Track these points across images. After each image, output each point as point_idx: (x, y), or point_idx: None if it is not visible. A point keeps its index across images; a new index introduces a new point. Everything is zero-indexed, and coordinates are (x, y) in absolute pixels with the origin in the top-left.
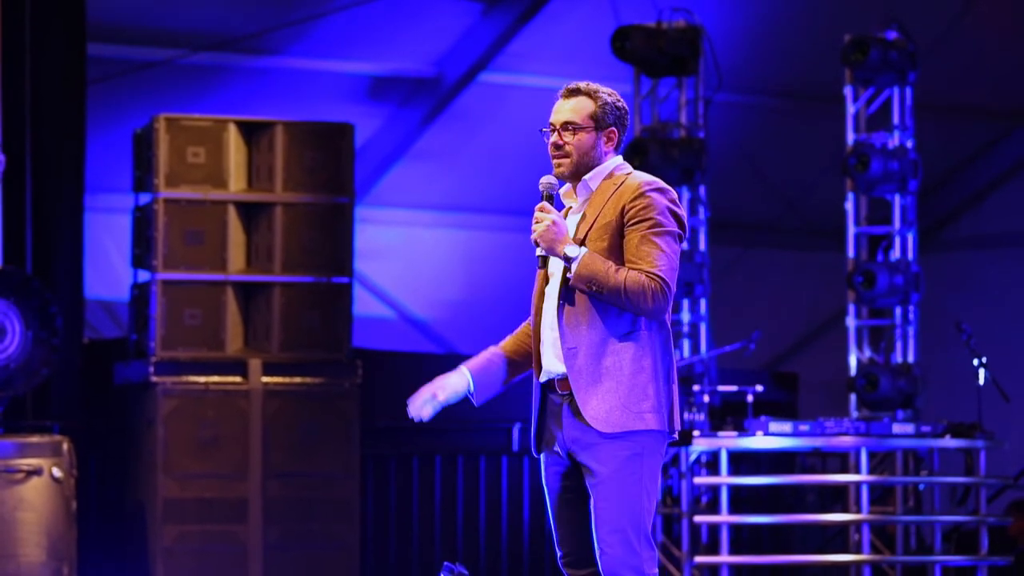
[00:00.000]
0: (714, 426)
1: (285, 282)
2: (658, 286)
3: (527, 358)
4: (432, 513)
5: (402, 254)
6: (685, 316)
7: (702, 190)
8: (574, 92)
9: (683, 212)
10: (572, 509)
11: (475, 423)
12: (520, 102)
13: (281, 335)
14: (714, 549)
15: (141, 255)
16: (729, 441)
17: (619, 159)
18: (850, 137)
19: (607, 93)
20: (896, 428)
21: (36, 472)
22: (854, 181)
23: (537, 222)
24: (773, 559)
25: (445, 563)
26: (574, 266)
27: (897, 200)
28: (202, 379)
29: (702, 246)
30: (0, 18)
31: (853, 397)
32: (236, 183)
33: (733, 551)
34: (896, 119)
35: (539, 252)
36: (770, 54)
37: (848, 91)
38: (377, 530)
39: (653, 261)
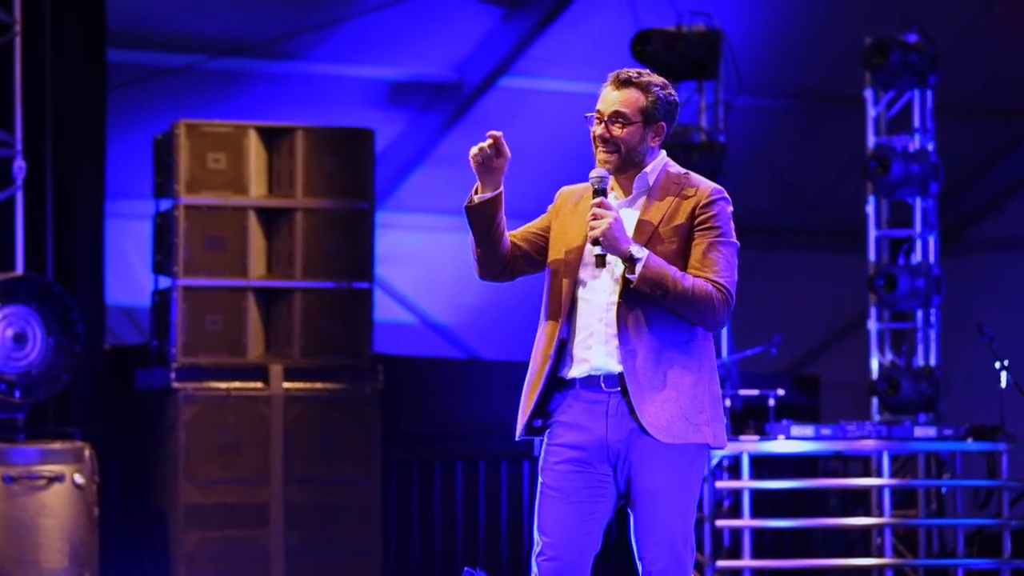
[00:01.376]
0: (735, 430)
1: (306, 288)
2: (723, 296)
3: (501, 250)
4: (453, 518)
5: (423, 259)
6: None
7: None
8: (626, 83)
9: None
10: (572, 509)
11: (497, 428)
12: (541, 106)
13: (302, 341)
14: (736, 553)
15: (162, 261)
16: (751, 445)
17: (664, 154)
18: (871, 140)
19: (660, 86)
20: (918, 431)
21: (58, 479)
22: (875, 184)
23: (596, 219)
24: (795, 563)
25: (466, 568)
26: (639, 267)
27: (918, 203)
28: (223, 385)
29: None
30: (20, 24)
31: (875, 400)
32: (257, 189)
33: (755, 555)
34: (917, 122)
35: (597, 251)
36: (790, 57)
37: (869, 94)
38: (399, 535)
39: (720, 270)
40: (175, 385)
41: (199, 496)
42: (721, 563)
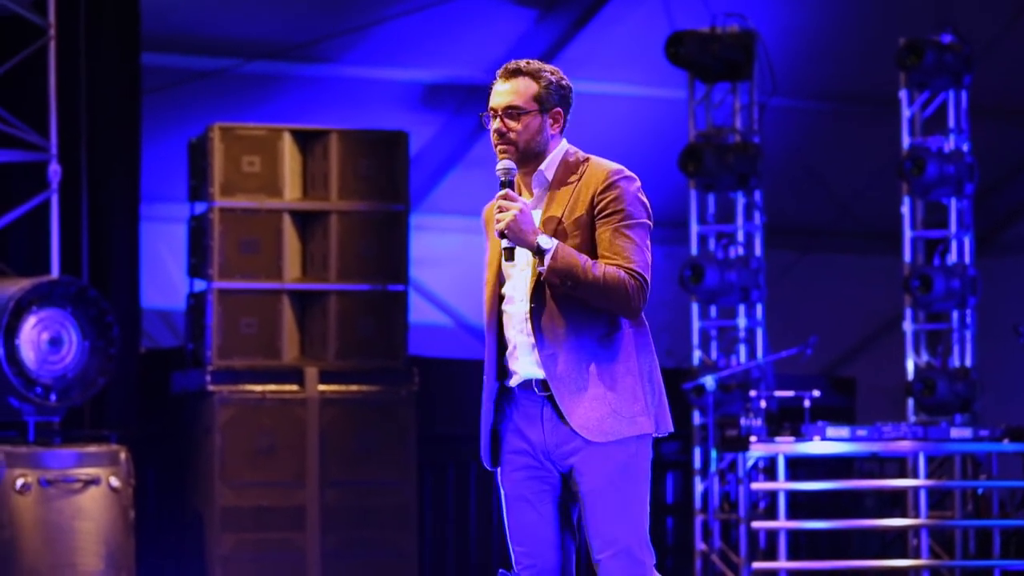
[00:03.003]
0: (771, 431)
1: (341, 290)
2: (637, 282)
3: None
4: (490, 520)
5: (457, 261)
6: (741, 321)
7: (757, 195)
8: (514, 72)
9: (647, 200)
10: (537, 514)
11: None
12: (575, 108)
13: (337, 343)
14: (772, 555)
15: (197, 264)
16: (786, 446)
17: (565, 142)
18: (906, 141)
19: (550, 71)
20: (954, 432)
21: (94, 481)
22: (910, 185)
23: (501, 211)
24: (831, 564)
25: (500, 571)
26: (547, 258)
27: (953, 204)
28: (259, 388)
29: (758, 251)
30: (55, 28)
31: (911, 401)
32: (291, 192)
33: (791, 557)
34: (952, 122)
35: (505, 244)
36: (824, 58)
37: (903, 95)
38: (435, 537)
39: (629, 256)
40: (210, 388)
41: (235, 499)
42: (757, 565)
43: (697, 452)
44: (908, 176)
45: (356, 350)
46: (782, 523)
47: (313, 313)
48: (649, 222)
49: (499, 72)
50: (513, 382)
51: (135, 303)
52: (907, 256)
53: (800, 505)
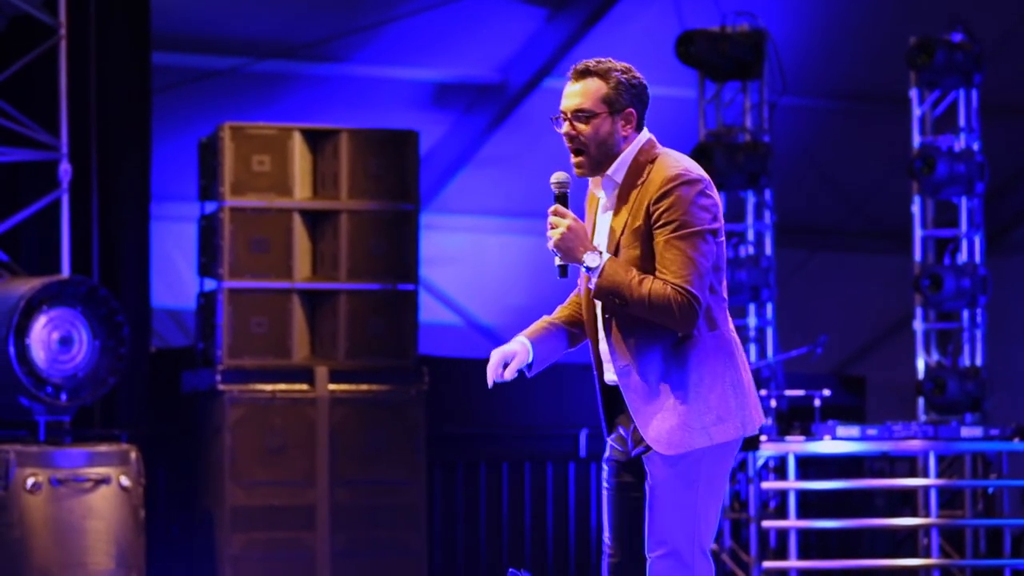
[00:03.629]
0: (781, 431)
1: (351, 289)
2: (684, 299)
3: (575, 331)
4: (499, 520)
5: (468, 260)
6: (751, 320)
7: (768, 194)
8: (583, 73)
9: (714, 199)
10: (621, 502)
11: (542, 429)
12: None
13: (347, 342)
14: (782, 554)
15: (207, 263)
16: (796, 446)
17: (642, 137)
18: (916, 140)
19: (621, 70)
20: (964, 431)
21: (104, 481)
22: (920, 184)
23: (552, 227)
24: (842, 563)
25: (511, 570)
26: (595, 278)
27: (964, 203)
28: (269, 387)
29: (768, 250)
30: (65, 28)
31: (921, 401)
32: (301, 191)
33: (801, 556)
34: (962, 121)
35: (557, 261)
36: (835, 57)
37: (914, 93)
38: (444, 537)
39: (678, 270)
40: (221, 387)
41: (245, 498)
42: (767, 564)
43: None
44: (918, 175)
45: (366, 349)
46: (792, 522)
47: (323, 312)
48: (708, 227)
49: (569, 72)
50: (605, 379)
51: (145, 302)
52: (917, 255)
53: (810, 504)
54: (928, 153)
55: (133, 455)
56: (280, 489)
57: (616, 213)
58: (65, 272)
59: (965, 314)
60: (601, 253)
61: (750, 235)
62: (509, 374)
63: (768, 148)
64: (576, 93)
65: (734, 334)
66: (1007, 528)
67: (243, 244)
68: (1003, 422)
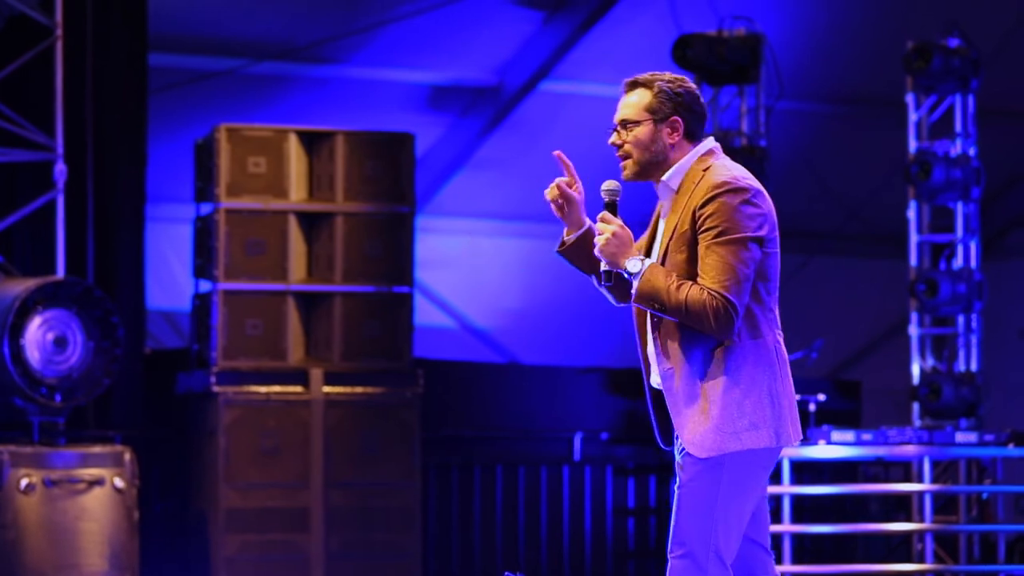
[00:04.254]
0: None
1: (346, 292)
2: (720, 305)
3: (618, 280)
4: (493, 522)
5: (463, 263)
6: None
7: None
8: (631, 85)
9: (762, 209)
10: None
11: (537, 432)
12: (581, 111)
13: (342, 345)
14: (777, 559)
15: (202, 265)
16: (791, 450)
17: (703, 147)
18: (912, 145)
19: (667, 80)
20: (959, 437)
21: (98, 482)
22: (916, 189)
23: (599, 234)
24: (836, 568)
25: (506, 572)
26: (635, 283)
27: (960, 208)
28: (263, 389)
29: None
30: (62, 28)
31: (916, 406)
32: (297, 193)
33: (796, 560)
34: (959, 126)
35: (603, 267)
36: (831, 62)
37: (910, 99)
38: (439, 539)
39: (716, 275)
40: (215, 389)
41: (239, 500)
42: None
43: None
44: (914, 180)
45: (361, 352)
46: (787, 527)
47: (318, 314)
48: (752, 234)
49: (622, 85)
50: (653, 383)
51: (140, 304)
52: (913, 260)
53: (805, 509)
54: (924, 158)
55: (127, 456)
56: (274, 491)
57: (669, 218)
58: (60, 273)
59: (961, 319)
60: (643, 260)
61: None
62: (556, 192)
63: (765, 152)
64: (624, 104)
65: (781, 346)
66: (1001, 534)
67: (238, 246)
68: (998, 427)
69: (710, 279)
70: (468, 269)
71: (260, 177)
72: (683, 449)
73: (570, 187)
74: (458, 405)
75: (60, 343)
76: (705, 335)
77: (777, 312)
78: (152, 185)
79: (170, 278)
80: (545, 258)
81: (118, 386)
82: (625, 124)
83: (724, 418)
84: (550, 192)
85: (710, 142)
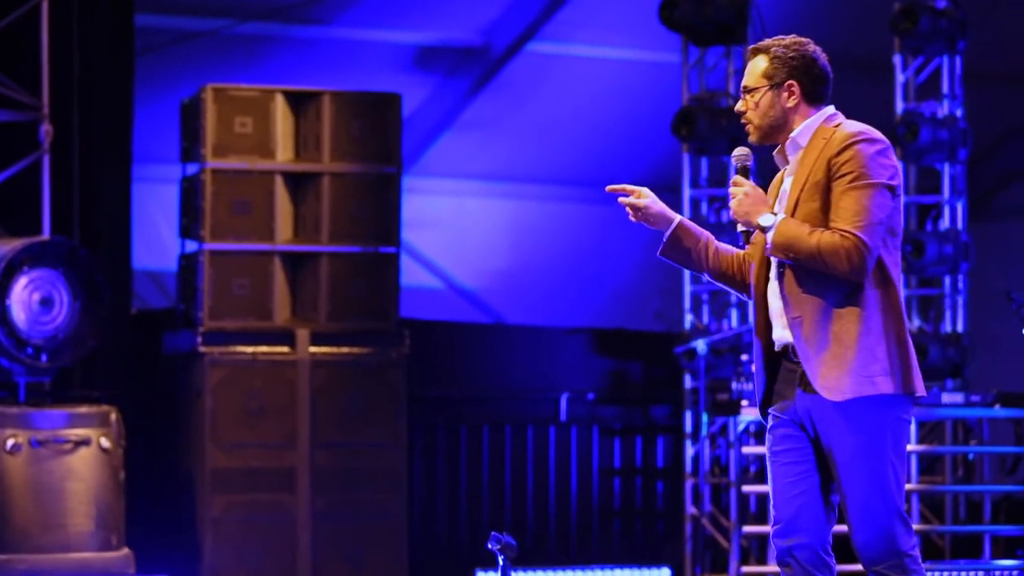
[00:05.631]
0: None
1: (332, 252)
2: (852, 244)
3: (723, 270)
4: (480, 483)
5: (450, 224)
6: None
7: (752, 160)
8: (754, 52)
9: (894, 162)
10: (789, 477)
11: (523, 393)
12: (568, 72)
13: (328, 305)
14: (762, 519)
15: (189, 225)
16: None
17: (828, 110)
18: (899, 106)
19: (782, 45)
20: (945, 398)
21: (84, 442)
22: (903, 150)
23: (732, 197)
24: None
25: (492, 533)
26: (770, 236)
27: (946, 169)
28: (250, 349)
29: None
30: None
31: None
32: (283, 153)
33: None
34: (946, 88)
35: (739, 228)
36: (818, 22)
37: (897, 60)
38: (425, 500)
39: (850, 217)
40: (201, 349)
41: (225, 460)
42: (748, 528)
43: (688, 416)
44: (901, 141)
45: (347, 312)
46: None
47: (304, 275)
48: (888, 182)
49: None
50: (776, 346)
51: (126, 264)
52: None
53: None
54: (911, 119)
55: (113, 417)
56: (260, 451)
57: (798, 172)
58: (46, 233)
59: (947, 280)
60: (776, 214)
61: None
62: (628, 200)
63: None
64: (746, 72)
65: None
66: (987, 494)
67: (225, 206)
68: (984, 388)
69: (844, 221)
70: (455, 230)
71: (246, 137)
72: (784, 414)
73: (635, 196)
74: (444, 365)
75: (46, 303)
76: (834, 283)
77: (900, 265)
78: (138, 145)
79: (156, 238)
80: (532, 219)
81: (104, 346)
82: (747, 90)
83: (859, 362)
84: (631, 216)
85: (832, 108)
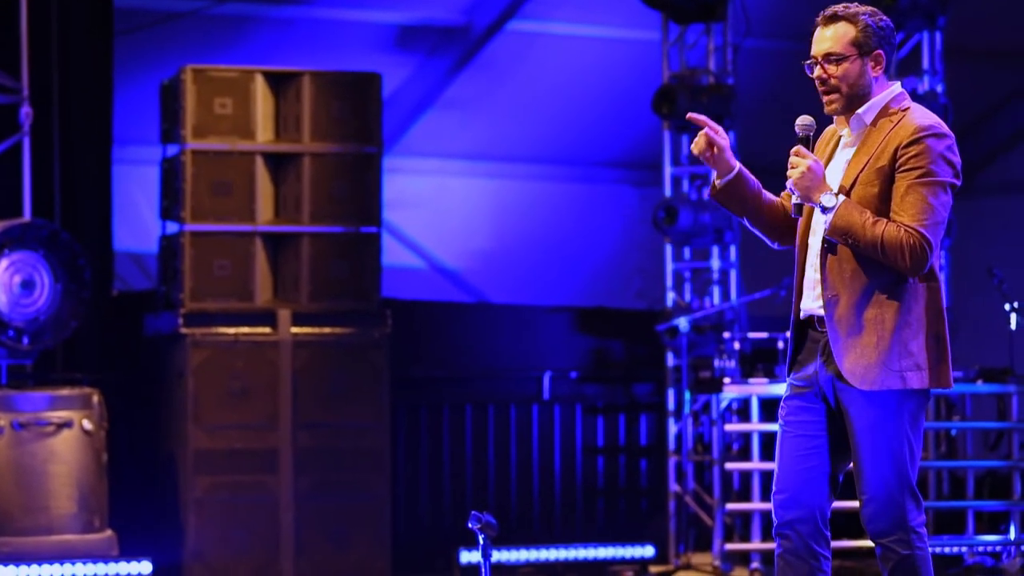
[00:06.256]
0: (745, 373)
1: (313, 232)
2: (916, 242)
3: (769, 218)
4: (463, 462)
5: (431, 203)
6: (715, 263)
7: (731, 136)
8: (832, 19)
9: (959, 158)
10: (799, 450)
11: (506, 371)
12: (549, 50)
13: (310, 286)
14: (746, 496)
15: (169, 207)
16: (760, 388)
17: (895, 87)
18: None
19: (868, 13)
20: None
21: (66, 425)
22: None
23: (792, 167)
24: None
25: (472, 512)
26: (830, 217)
27: None
28: (231, 330)
29: None
30: None
31: None
32: (264, 134)
33: (764, 498)
34: (926, 64)
35: (795, 200)
36: None
37: None
38: (408, 479)
39: (916, 214)
40: (183, 331)
41: (208, 441)
42: (731, 505)
43: (671, 394)
44: None
45: (329, 292)
46: (755, 464)
47: (286, 255)
48: (953, 181)
49: (818, 19)
50: (801, 314)
51: (107, 246)
52: None
53: (773, 446)
54: None
55: (95, 399)
56: (243, 432)
57: (859, 150)
58: (26, 215)
59: None
60: (837, 195)
61: (714, 176)
62: (705, 141)
63: (732, 90)
64: (827, 38)
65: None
66: (970, 470)
67: (205, 187)
68: (966, 364)
69: (908, 216)
70: (436, 209)
71: (226, 118)
72: (804, 383)
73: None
74: (427, 345)
75: (27, 286)
76: (879, 270)
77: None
78: (118, 127)
79: (137, 220)
80: (513, 198)
81: (86, 328)
82: (830, 57)
83: (891, 355)
84: (696, 146)
85: (899, 85)
